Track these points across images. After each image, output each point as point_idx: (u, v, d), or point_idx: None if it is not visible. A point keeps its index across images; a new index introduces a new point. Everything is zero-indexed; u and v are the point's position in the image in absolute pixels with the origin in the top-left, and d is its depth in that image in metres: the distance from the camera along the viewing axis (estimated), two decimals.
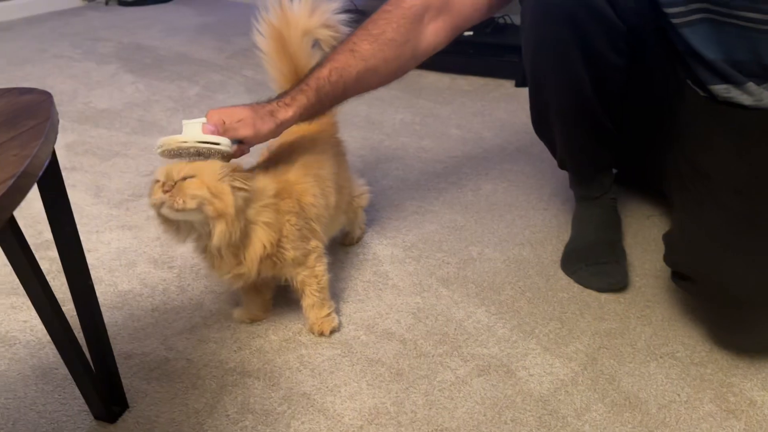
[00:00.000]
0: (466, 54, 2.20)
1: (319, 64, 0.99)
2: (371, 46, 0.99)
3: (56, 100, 2.25)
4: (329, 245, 1.10)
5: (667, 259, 1.03)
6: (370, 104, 1.96)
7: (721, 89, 0.99)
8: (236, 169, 0.91)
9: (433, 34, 1.04)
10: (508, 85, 2.12)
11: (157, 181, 0.88)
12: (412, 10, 1.00)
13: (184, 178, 0.86)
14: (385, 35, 0.99)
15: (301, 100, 0.96)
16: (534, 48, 1.07)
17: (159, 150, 0.91)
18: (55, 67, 2.48)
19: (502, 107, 1.93)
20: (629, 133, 1.20)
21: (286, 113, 0.95)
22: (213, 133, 0.90)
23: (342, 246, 1.27)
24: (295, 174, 1.00)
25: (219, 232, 0.88)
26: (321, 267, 1.02)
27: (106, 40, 2.81)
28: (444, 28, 1.04)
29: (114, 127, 1.89)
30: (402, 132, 1.78)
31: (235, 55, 2.55)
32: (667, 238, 1.05)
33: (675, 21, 0.97)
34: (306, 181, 1.00)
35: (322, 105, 0.99)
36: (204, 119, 0.92)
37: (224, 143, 0.90)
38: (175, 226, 0.92)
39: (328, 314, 1.04)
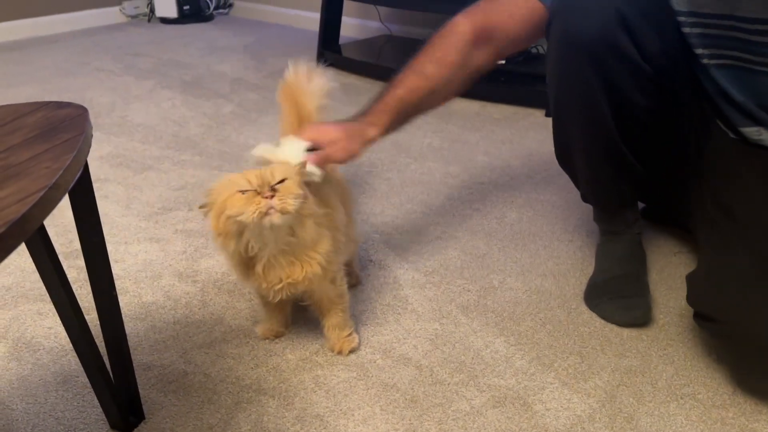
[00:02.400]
0: (497, 81, 2.21)
1: (393, 85, 1.05)
2: (435, 68, 1.05)
3: (94, 112, 2.30)
4: None
5: (691, 299, 1.01)
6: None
7: (752, 131, 0.98)
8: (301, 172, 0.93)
9: (483, 61, 1.10)
10: (537, 114, 2.12)
11: (244, 191, 0.85)
12: (466, 36, 1.06)
13: (279, 182, 0.87)
14: (447, 58, 1.06)
15: (385, 120, 1.03)
16: (558, 84, 1.08)
17: (254, 154, 0.96)
18: (96, 79, 2.55)
19: (531, 136, 1.93)
20: (655, 169, 1.18)
21: (373, 133, 1.02)
22: (314, 163, 0.95)
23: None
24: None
25: (309, 227, 0.90)
26: (345, 286, 1.04)
27: (146, 56, 2.89)
28: (489, 53, 1.10)
29: (148, 141, 1.94)
30: (429, 156, 1.79)
31: (271, 75, 2.60)
32: (691, 278, 1.03)
33: (705, 62, 0.97)
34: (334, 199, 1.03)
35: (399, 124, 1.06)
36: (304, 144, 0.97)
37: (317, 174, 0.95)
38: (239, 237, 0.89)
39: (350, 334, 1.05)
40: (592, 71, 1.01)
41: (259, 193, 0.85)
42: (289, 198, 0.85)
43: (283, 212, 0.85)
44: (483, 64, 1.10)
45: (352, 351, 1.05)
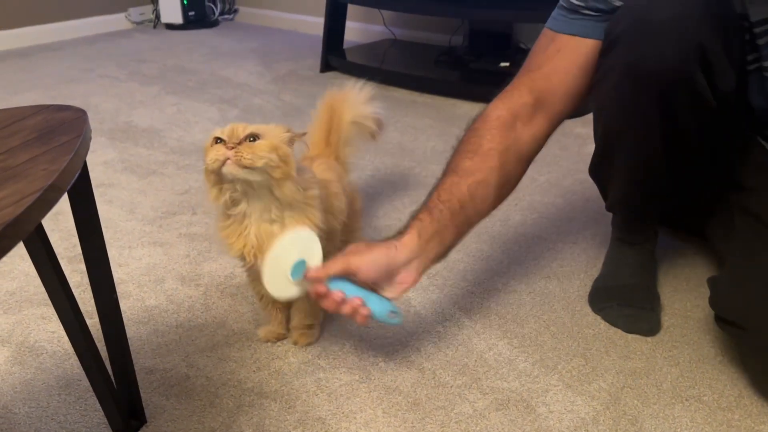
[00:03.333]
0: (502, 85, 2.21)
1: (428, 194, 0.96)
2: (471, 161, 0.95)
3: (99, 118, 2.32)
4: None
5: (714, 303, 0.99)
6: (402, 132, 1.97)
7: None
8: (298, 136, 0.93)
9: (532, 136, 1.00)
10: None
11: (218, 139, 0.88)
12: (500, 120, 0.97)
13: (251, 137, 0.87)
14: (482, 148, 0.96)
15: (416, 224, 0.92)
16: (614, 110, 1.00)
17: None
18: (100, 86, 2.56)
19: None
20: (685, 181, 1.13)
21: (401, 239, 0.91)
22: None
23: None
24: (328, 175, 1.06)
25: (288, 189, 0.89)
26: None
27: (151, 62, 2.90)
28: (541, 128, 1.00)
29: (153, 146, 1.94)
30: (433, 160, 1.79)
31: (275, 80, 2.60)
32: (715, 282, 1.01)
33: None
34: (336, 186, 1.05)
35: (442, 225, 0.93)
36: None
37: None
38: (219, 188, 0.91)
39: (310, 325, 1.06)
40: (656, 106, 0.94)
41: (225, 144, 0.87)
42: (248, 153, 0.85)
43: (238, 164, 0.85)
44: (534, 141, 1.00)
45: (307, 344, 1.06)
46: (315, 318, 1.07)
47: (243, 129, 0.88)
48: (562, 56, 1.00)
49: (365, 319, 0.89)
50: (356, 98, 1.15)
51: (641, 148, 1.02)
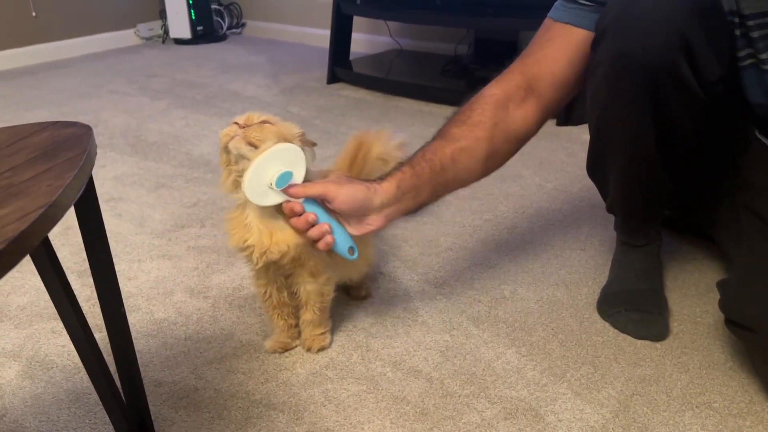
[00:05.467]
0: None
1: (415, 152, 1.00)
2: (459, 128, 0.99)
3: (109, 132, 2.34)
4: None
5: (724, 306, 0.98)
6: (409, 141, 1.97)
7: None
8: (310, 142, 0.97)
9: (522, 118, 1.02)
10: (548, 123, 2.10)
11: (236, 122, 0.93)
12: (493, 98, 1.01)
13: (263, 123, 0.92)
14: (471, 119, 1.00)
15: (397, 175, 0.96)
16: (604, 101, 1.01)
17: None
18: (110, 101, 2.59)
19: (541, 145, 1.92)
20: (686, 182, 1.13)
21: (381, 183, 0.95)
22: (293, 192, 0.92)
23: (352, 299, 1.25)
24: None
25: None
26: (329, 287, 1.05)
27: (160, 77, 2.93)
28: (533, 112, 1.03)
29: (162, 160, 1.96)
30: None
31: (283, 92, 2.62)
32: (724, 286, 1.00)
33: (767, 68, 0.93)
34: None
35: (421, 181, 0.97)
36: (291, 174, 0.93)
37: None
38: (230, 170, 0.95)
39: (323, 333, 1.09)
40: (644, 97, 0.95)
41: (240, 127, 0.92)
42: (255, 132, 0.90)
43: (245, 140, 0.90)
44: (524, 124, 1.03)
45: (321, 349, 1.09)
46: (325, 326, 1.09)
47: (258, 116, 0.93)
48: (553, 44, 1.03)
49: (328, 246, 0.93)
50: (388, 139, 1.17)
51: (634, 143, 1.03)
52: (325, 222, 0.93)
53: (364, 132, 1.18)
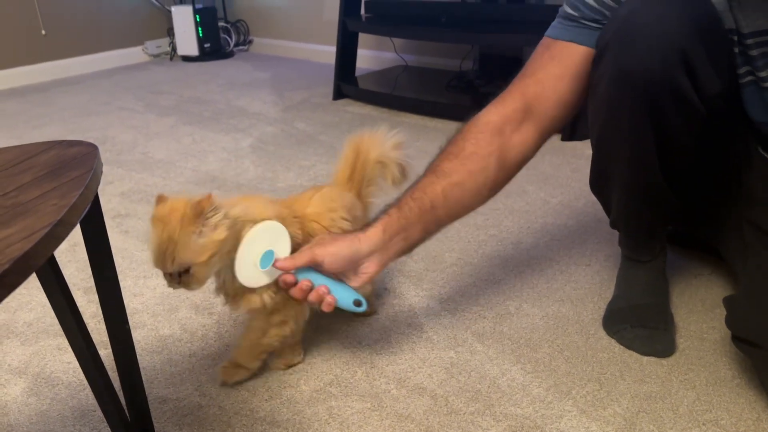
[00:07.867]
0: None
1: (404, 191, 0.99)
2: (451, 163, 0.98)
3: (116, 149, 2.35)
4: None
5: (730, 323, 0.98)
6: (414, 157, 1.98)
7: None
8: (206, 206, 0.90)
9: (521, 143, 1.01)
10: (553, 138, 2.09)
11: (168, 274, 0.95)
12: (489, 126, 0.99)
13: (180, 272, 0.92)
14: (464, 151, 0.98)
15: (383, 219, 0.96)
16: (605, 117, 1.01)
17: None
18: (118, 118, 2.62)
19: (546, 160, 1.93)
20: (690, 198, 1.13)
21: (366, 231, 0.95)
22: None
23: (356, 315, 1.24)
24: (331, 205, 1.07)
25: (202, 272, 0.92)
26: (277, 331, 1.02)
27: (167, 94, 2.96)
28: (532, 135, 1.02)
29: (169, 176, 1.97)
30: None
31: (289, 109, 2.64)
32: (731, 302, 1.00)
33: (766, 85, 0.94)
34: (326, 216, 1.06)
35: (409, 222, 0.96)
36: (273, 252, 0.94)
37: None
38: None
39: (239, 367, 1.05)
40: (644, 113, 0.94)
41: (163, 274, 0.95)
42: (190, 287, 0.93)
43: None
44: (523, 148, 1.02)
45: (223, 383, 1.06)
46: (248, 364, 1.05)
47: (170, 258, 0.90)
48: (556, 63, 1.02)
49: (331, 306, 0.94)
50: (385, 140, 1.15)
51: (635, 159, 1.02)
52: (322, 284, 0.94)
53: (358, 136, 1.16)
